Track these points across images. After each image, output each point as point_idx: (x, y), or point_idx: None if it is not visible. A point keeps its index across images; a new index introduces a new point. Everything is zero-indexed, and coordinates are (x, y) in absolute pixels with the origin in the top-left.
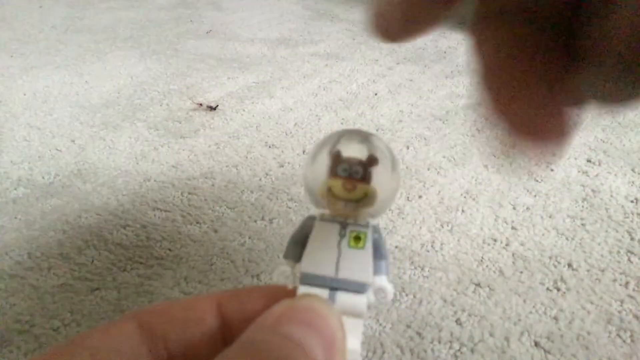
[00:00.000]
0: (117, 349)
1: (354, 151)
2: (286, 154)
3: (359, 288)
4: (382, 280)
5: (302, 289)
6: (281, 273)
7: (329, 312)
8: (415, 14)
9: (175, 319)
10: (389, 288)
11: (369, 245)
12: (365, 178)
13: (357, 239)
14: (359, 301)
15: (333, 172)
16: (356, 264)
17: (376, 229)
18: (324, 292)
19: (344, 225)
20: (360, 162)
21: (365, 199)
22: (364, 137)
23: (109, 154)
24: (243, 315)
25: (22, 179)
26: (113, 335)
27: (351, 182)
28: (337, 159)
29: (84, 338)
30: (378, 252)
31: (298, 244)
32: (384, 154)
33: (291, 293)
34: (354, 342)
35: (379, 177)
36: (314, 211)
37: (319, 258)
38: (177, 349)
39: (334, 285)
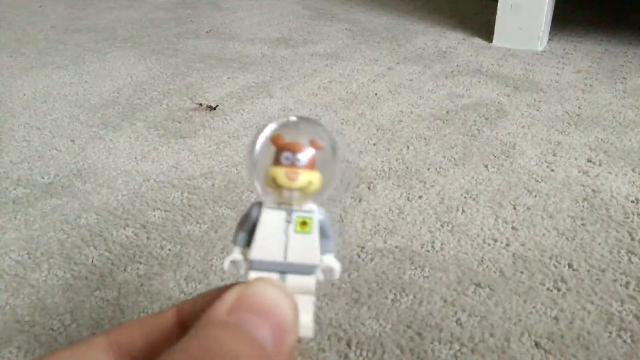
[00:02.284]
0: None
1: (295, 137)
2: None
3: (307, 270)
4: (330, 259)
5: (253, 275)
6: (232, 261)
7: (279, 295)
8: None
9: (137, 329)
10: (336, 266)
11: (315, 229)
12: (308, 165)
13: (304, 223)
14: (308, 281)
15: (276, 160)
16: (303, 247)
17: (321, 212)
18: (274, 277)
19: (289, 212)
20: (302, 149)
21: (309, 186)
22: (304, 122)
23: (109, 154)
24: (197, 309)
25: (21, 178)
26: (83, 348)
27: (294, 170)
28: (278, 146)
29: (54, 354)
30: (324, 233)
31: (246, 230)
32: (325, 139)
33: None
34: (305, 317)
35: (321, 162)
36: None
37: (268, 245)
38: (143, 356)
39: (283, 270)
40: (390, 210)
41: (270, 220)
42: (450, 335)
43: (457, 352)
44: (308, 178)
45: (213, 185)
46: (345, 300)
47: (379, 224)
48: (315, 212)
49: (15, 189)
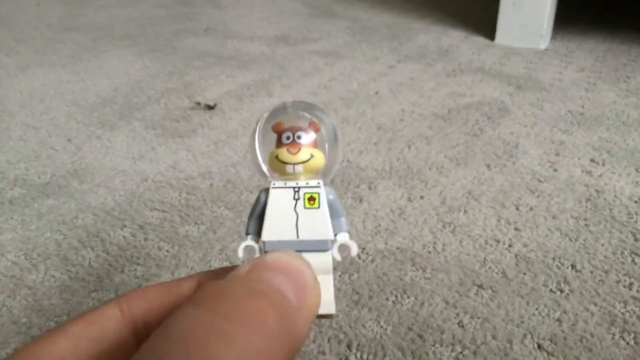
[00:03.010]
0: (100, 335)
1: (294, 121)
2: None
3: (321, 246)
4: (344, 237)
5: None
6: (245, 248)
7: (298, 259)
8: None
9: (155, 302)
10: (352, 243)
11: (323, 203)
12: (310, 144)
13: (312, 199)
14: (324, 259)
15: (278, 142)
16: (315, 223)
17: (329, 191)
18: None
19: (296, 189)
20: (302, 128)
21: (312, 160)
22: (304, 107)
23: (106, 153)
24: None
25: (18, 178)
26: (96, 321)
27: (295, 145)
28: (280, 130)
29: (66, 326)
30: (335, 211)
31: (257, 218)
32: (324, 121)
33: None
34: (326, 295)
35: (322, 142)
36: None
37: (279, 224)
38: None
39: (298, 248)
40: (391, 210)
41: (279, 200)
42: (452, 337)
43: (459, 355)
44: (310, 152)
45: (211, 185)
46: (346, 302)
47: (379, 225)
48: (321, 187)
49: (11, 189)
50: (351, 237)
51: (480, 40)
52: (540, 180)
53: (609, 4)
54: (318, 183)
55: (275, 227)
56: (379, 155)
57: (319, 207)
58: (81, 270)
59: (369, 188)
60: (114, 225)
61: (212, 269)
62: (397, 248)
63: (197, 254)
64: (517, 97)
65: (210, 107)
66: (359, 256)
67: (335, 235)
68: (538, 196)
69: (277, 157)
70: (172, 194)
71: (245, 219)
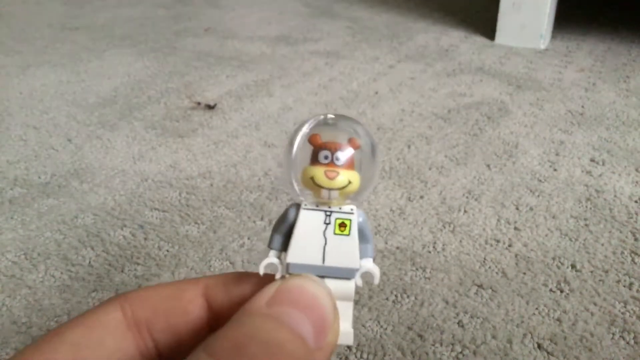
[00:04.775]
0: (100, 341)
1: (333, 136)
2: None
3: (346, 274)
4: (369, 263)
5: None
6: (268, 265)
7: (320, 290)
8: None
9: (159, 309)
10: (376, 271)
11: (354, 231)
12: (347, 164)
13: (343, 225)
14: (347, 286)
15: (314, 159)
16: (343, 250)
17: (360, 214)
18: None
19: (328, 213)
20: (340, 148)
21: (348, 186)
22: (342, 120)
23: (106, 153)
24: (230, 301)
25: (18, 178)
26: (96, 326)
27: (333, 169)
28: (317, 144)
29: (65, 331)
30: (363, 236)
31: (282, 233)
32: (363, 138)
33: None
34: (345, 324)
35: (361, 161)
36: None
37: (306, 247)
38: (163, 338)
39: (321, 274)
40: (391, 210)
41: (309, 222)
42: (452, 337)
43: (458, 354)
44: (347, 177)
45: (211, 185)
46: None
47: (379, 225)
48: (354, 214)
49: (12, 189)
50: (374, 261)
51: (480, 40)
52: (540, 180)
53: (609, 3)
54: (352, 209)
55: (302, 250)
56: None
57: (349, 234)
58: (81, 270)
59: None
60: (114, 225)
61: (221, 273)
62: (397, 248)
63: (197, 254)
64: (517, 96)
65: (210, 107)
66: None
67: (360, 260)
68: (538, 196)
69: (312, 178)
70: (172, 194)
71: (245, 218)
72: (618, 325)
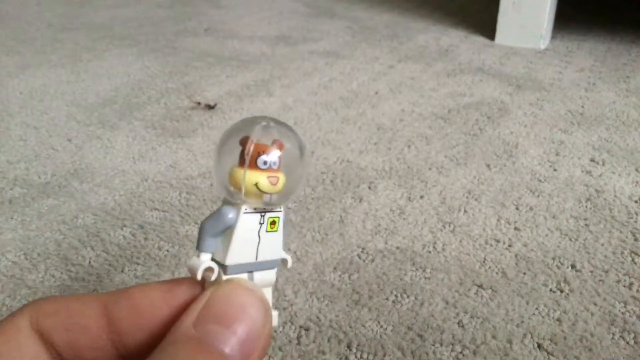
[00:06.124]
0: (14, 353)
1: (264, 139)
2: None
3: (273, 265)
4: (284, 252)
5: (225, 279)
6: (206, 269)
7: (249, 297)
8: None
9: (59, 324)
10: (289, 258)
11: (281, 226)
12: (280, 167)
13: (273, 223)
14: (271, 274)
15: (252, 163)
16: (272, 245)
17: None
18: (244, 276)
19: (263, 214)
20: (273, 151)
21: (284, 188)
22: (270, 123)
23: (106, 153)
24: (135, 313)
25: (18, 178)
26: (8, 337)
27: (274, 174)
28: (253, 147)
29: None
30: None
31: (215, 236)
32: (291, 139)
33: (193, 284)
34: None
35: (291, 162)
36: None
37: (242, 248)
38: (65, 352)
39: (254, 269)
40: (391, 210)
41: (247, 225)
42: (452, 337)
43: (458, 354)
44: (283, 180)
45: (211, 185)
46: (346, 302)
47: (379, 225)
48: (282, 211)
49: (11, 189)
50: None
51: (480, 40)
52: (540, 180)
53: (609, 3)
54: (280, 208)
55: (239, 251)
56: (379, 155)
57: (277, 230)
58: (81, 270)
59: (369, 188)
60: (114, 225)
61: (122, 288)
62: (397, 248)
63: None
64: (517, 96)
65: (210, 107)
66: (358, 256)
67: None
68: (538, 196)
69: (257, 185)
70: (172, 194)
71: None
72: (618, 325)
